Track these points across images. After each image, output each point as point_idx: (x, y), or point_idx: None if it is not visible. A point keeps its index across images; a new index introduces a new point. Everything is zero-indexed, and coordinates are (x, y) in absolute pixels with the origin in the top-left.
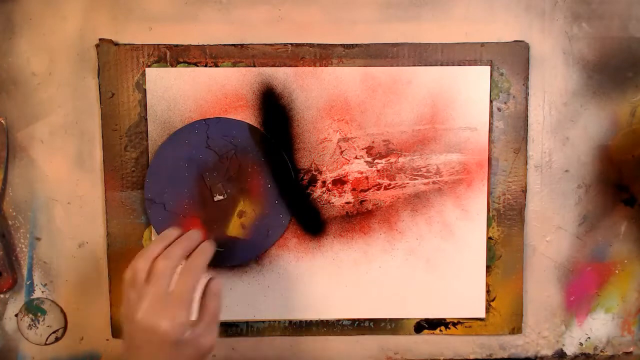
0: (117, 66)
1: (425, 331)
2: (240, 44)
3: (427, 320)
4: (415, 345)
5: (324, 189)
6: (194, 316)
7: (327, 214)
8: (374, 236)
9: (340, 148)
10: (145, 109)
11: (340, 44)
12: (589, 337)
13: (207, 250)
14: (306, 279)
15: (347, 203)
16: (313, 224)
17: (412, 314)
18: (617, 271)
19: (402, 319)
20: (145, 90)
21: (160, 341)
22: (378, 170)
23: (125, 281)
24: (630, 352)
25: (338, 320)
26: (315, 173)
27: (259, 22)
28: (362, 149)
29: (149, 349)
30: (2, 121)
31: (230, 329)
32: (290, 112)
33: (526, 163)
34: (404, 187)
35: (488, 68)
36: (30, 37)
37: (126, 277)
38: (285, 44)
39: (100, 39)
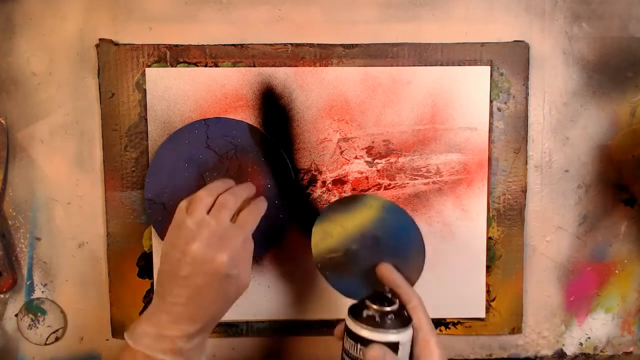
0: (117, 66)
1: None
2: (240, 44)
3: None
4: None
5: (324, 189)
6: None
7: None
8: None
9: (340, 148)
10: (145, 109)
11: (340, 44)
12: (589, 337)
13: (264, 204)
14: (306, 279)
15: None
16: (313, 224)
17: None
18: (617, 271)
19: None
20: (145, 90)
21: (212, 272)
22: (378, 170)
23: (181, 209)
24: (630, 352)
25: (338, 320)
26: (315, 173)
27: (259, 22)
28: (362, 149)
29: (198, 279)
30: (2, 121)
31: (230, 329)
32: (290, 112)
33: (526, 163)
34: (404, 187)
35: (488, 68)
36: (30, 37)
37: (183, 205)
38: (285, 44)
39: (100, 39)
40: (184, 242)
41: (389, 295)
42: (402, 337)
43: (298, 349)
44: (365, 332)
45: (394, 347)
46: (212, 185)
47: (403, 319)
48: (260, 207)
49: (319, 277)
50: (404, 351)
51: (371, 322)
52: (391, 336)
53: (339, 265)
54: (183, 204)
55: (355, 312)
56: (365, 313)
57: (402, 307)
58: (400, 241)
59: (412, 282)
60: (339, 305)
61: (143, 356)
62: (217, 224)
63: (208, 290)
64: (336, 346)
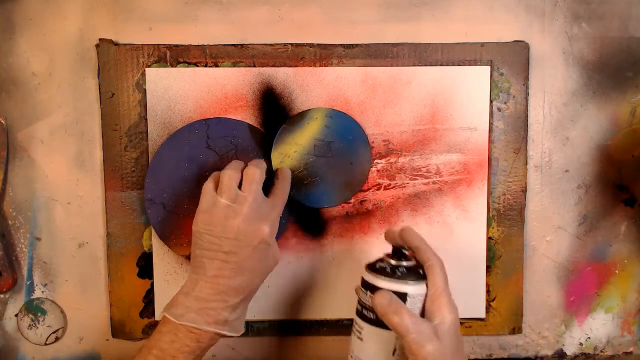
0: (117, 66)
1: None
2: (240, 44)
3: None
4: None
5: None
6: None
7: (327, 214)
8: (374, 236)
9: None
10: (145, 109)
11: (340, 44)
12: (589, 337)
13: (289, 176)
14: (306, 279)
15: (347, 203)
16: (313, 224)
17: None
18: (617, 271)
19: None
20: (145, 90)
21: (256, 244)
22: (378, 170)
23: (209, 191)
24: (630, 352)
25: (338, 320)
26: None
27: (259, 22)
28: None
29: (243, 252)
30: (2, 121)
31: None
32: (290, 112)
33: (526, 163)
34: (404, 187)
35: (488, 68)
36: (30, 37)
37: (209, 187)
38: (285, 44)
39: (100, 39)
40: (223, 220)
41: (406, 252)
42: (412, 289)
43: (298, 349)
44: (375, 280)
45: (402, 297)
46: (232, 164)
47: (416, 275)
48: (287, 178)
49: (319, 277)
50: (413, 305)
51: (383, 272)
52: (400, 286)
53: (302, 180)
54: (210, 186)
55: (371, 265)
56: (379, 265)
57: (419, 266)
58: (347, 140)
59: (365, 172)
60: (339, 305)
61: (186, 330)
62: (253, 198)
63: (252, 261)
64: (336, 346)
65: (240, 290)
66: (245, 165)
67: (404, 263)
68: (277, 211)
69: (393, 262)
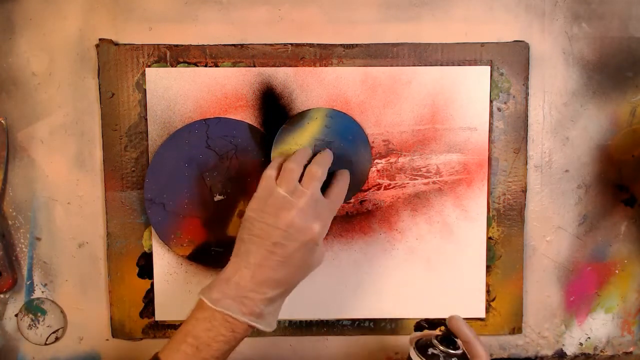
0: (117, 66)
1: (426, 331)
2: (240, 44)
3: (427, 320)
4: None
5: None
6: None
7: None
8: (374, 236)
9: None
10: (145, 109)
11: (340, 44)
12: (589, 337)
13: (348, 177)
14: (306, 279)
15: (347, 203)
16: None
17: (412, 314)
18: (617, 271)
19: (402, 319)
20: (145, 90)
21: (306, 241)
22: (378, 170)
23: (269, 177)
24: (630, 352)
25: (338, 320)
26: None
27: (259, 22)
28: None
29: (291, 246)
30: (2, 121)
31: None
32: (290, 112)
33: (526, 163)
34: (404, 187)
35: (488, 68)
36: (30, 37)
37: (271, 174)
38: (285, 44)
39: (100, 39)
40: (277, 210)
41: (457, 341)
42: None
43: (298, 349)
44: None
45: None
46: (297, 156)
47: None
48: (346, 181)
49: (319, 277)
50: None
51: (434, 359)
52: None
53: (301, 179)
54: (271, 173)
55: (421, 348)
56: (430, 351)
57: (467, 356)
58: (347, 140)
59: (365, 172)
60: (339, 305)
61: (222, 319)
62: (311, 194)
63: (298, 257)
64: (336, 346)
65: (281, 283)
66: (313, 155)
67: (454, 352)
68: (331, 213)
69: (444, 349)
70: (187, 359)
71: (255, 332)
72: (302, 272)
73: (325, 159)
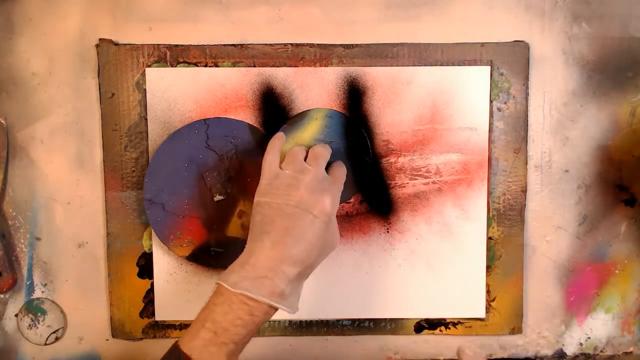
0: (117, 66)
1: (425, 331)
2: (240, 44)
3: (427, 320)
4: (415, 345)
5: None
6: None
7: None
8: (374, 236)
9: None
10: (145, 109)
11: (340, 44)
12: (589, 337)
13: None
14: (306, 279)
15: (347, 203)
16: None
17: (412, 314)
18: (617, 271)
19: (402, 319)
20: (145, 90)
21: (317, 214)
22: None
23: (271, 164)
24: (630, 352)
25: (338, 320)
26: None
27: (259, 22)
28: None
29: (303, 220)
30: (2, 121)
31: None
32: (290, 112)
33: (526, 163)
34: (404, 187)
35: (488, 68)
36: (30, 37)
37: (272, 161)
38: (285, 44)
39: (100, 39)
40: (286, 189)
41: None
42: None
43: (298, 349)
44: None
45: None
46: (297, 147)
47: None
48: (343, 168)
49: (319, 277)
50: None
51: None
52: None
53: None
54: (272, 158)
55: None
56: None
57: None
58: (347, 140)
59: (365, 169)
60: (339, 305)
61: (240, 302)
62: (317, 171)
63: (311, 231)
64: (336, 346)
65: (298, 261)
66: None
67: None
68: (338, 187)
69: None
70: (205, 344)
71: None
72: (317, 250)
73: (326, 146)
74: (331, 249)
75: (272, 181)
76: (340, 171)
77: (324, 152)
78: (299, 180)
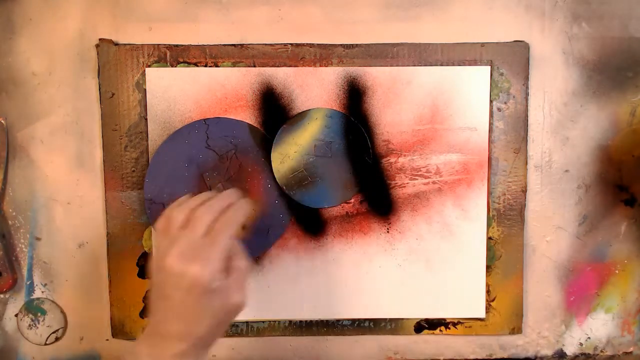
0: (117, 66)
1: (425, 331)
2: (240, 44)
3: (427, 320)
4: (415, 345)
5: None
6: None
7: (327, 214)
8: (374, 236)
9: None
10: (145, 109)
11: (340, 44)
12: (589, 337)
13: (245, 206)
14: (306, 279)
15: (347, 203)
16: (313, 224)
17: (412, 314)
18: (617, 271)
19: (402, 319)
20: (145, 90)
21: (189, 286)
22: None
23: (157, 230)
24: (630, 352)
25: (338, 320)
26: None
27: (259, 22)
28: None
29: (178, 295)
30: (2, 121)
31: (230, 329)
32: (290, 112)
33: (526, 163)
34: (404, 187)
35: (488, 68)
36: (30, 37)
37: (158, 226)
38: (285, 44)
39: (100, 39)
40: (161, 259)
41: None
42: None
43: (298, 349)
44: None
45: None
46: (189, 200)
47: None
48: (238, 213)
49: (319, 277)
50: None
51: None
52: None
53: (302, 180)
54: (160, 224)
55: None
56: None
57: None
58: (347, 140)
59: (365, 169)
60: (339, 305)
61: None
62: (187, 237)
63: (187, 306)
64: (336, 346)
65: (183, 337)
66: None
67: None
68: (215, 250)
69: None
70: None
71: (255, 332)
72: (206, 324)
73: (219, 201)
74: (227, 313)
75: (156, 249)
76: (226, 222)
77: (203, 218)
78: (168, 250)
